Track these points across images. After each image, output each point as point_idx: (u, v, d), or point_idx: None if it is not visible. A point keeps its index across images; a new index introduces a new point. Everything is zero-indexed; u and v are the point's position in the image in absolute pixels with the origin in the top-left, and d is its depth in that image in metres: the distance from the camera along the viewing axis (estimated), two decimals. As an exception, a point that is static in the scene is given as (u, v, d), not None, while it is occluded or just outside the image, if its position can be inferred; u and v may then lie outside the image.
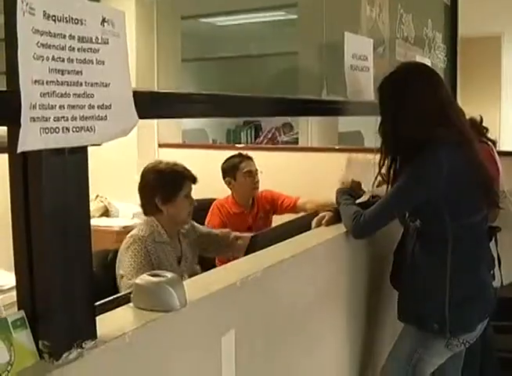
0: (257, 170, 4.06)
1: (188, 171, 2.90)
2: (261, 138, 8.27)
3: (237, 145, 5.51)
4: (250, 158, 4.09)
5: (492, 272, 2.52)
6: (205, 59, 9.13)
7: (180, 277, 2.85)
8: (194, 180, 2.91)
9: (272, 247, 2.13)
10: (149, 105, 1.54)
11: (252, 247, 2.36)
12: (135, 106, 1.35)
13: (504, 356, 3.74)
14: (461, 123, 2.38)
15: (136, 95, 1.36)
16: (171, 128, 5.72)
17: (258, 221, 4.09)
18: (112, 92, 1.29)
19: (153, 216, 2.84)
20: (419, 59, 3.73)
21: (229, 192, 4.13)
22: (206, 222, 3.95)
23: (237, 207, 4.08)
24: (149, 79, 5.40)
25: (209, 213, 4.04)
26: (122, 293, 2.03)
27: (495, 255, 2.57)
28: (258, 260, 1.98)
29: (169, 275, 1.55)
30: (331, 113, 2.95)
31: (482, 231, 2.44)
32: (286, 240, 2.21)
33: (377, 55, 3.08)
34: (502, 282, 2.60)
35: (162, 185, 2.82)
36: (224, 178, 4.10)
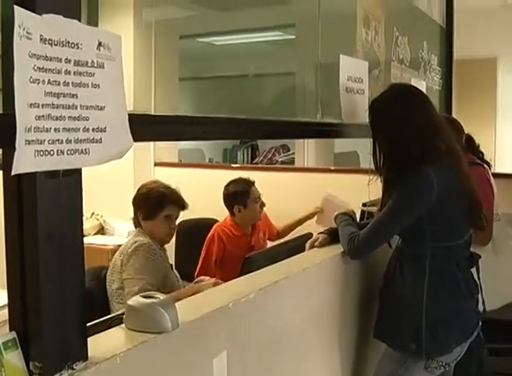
0: (260, 194, 4.08)
1: (176, 195, 3.07)
2: (260, 158, 8.29)
3: (233, 165, 5.51)
4: (253, 182, 4.09)
5: (476, 296, 2.53)
6: (202, 78, 9.16)
7: (176, 282, 2.97)
8: (182, 206, 3.09)
9: (266, 268, 2.14)
10: (145, 128, 1.56)
11: (246, 269, 2.37)
12: (130, 129, 1.36)
13: (499, 379, 3.75)
14: (451, 146, 2.40)
15: (131, 118, 1.37)
16: (168, 147, 5.73)
17: (260, 241, 4.10)
18: (107, 115, 1.30)
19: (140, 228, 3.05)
20: (414, 81, 3.76)
21: (227, 211, 4.13)
22: (205, 250, 3.97)
23: (239, 230, 4.07)
24: (147, 99, 5.42)
25: (209, 240, 4.03)
26: (113, 315, 2.03)
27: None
28: (251, 281, 1.98)
29: (161, 296, 1.56)
30: (326, 135, 2.96)
31: (463, 255, 2.46)
32: (280, 262, 2.22)
33: (373, 77, 3.11)
34: (484, 308, 2.61)
35: (146, 201, 3.03)
36: (232, 205, 4.07)
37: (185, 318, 1.56)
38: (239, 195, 4.04)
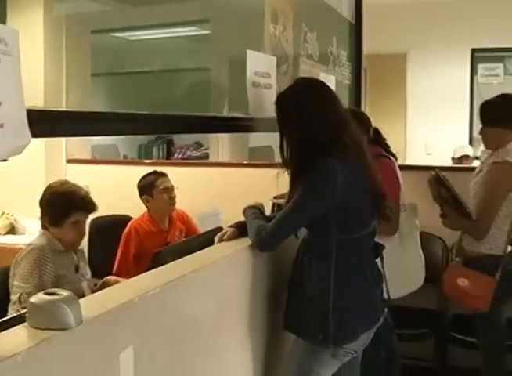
0: (173, 186, 4.09)
1: (83, 200, 2.96)
2: (175, 155, 8.25)
3: (146, 161, 5.48)
4: (165, 175, 4.11)
5: (380, 285, 2.62)
6: (117, 73, 9.01)
7: (79, 284, 2.93)
8: (90, 210, 2.99)
9: (173, 262, 2.14)
10: (44, 123, 1.54)
11: (156, 264, 2.37)
12: (34, 124, 1.35)
13: (408, 363, 3.87)
14: (356, 139, 2.46)
15: (34, 113, 1.35)
16: (80, 143, 5.63)
17: (175, 239, 4.11)
18: (4, 111, 1.28)
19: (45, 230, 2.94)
20: (323, 76, 3.82)
21: (142, 207, 4.12)
22: (122, 246, 3.95)
23: (155, 226, 4.10)
24: (58, 94, 5.31)
25: (126, 236, 4.02)
26: (18, 313, 2.01)
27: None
28: (158, 276, 1.98)
29: (65, 293, 1.53)
30: (233, 130, 2.99)
31: (368, 245, 2.53)
32: (187, 256, 2.22)
33: (281, 72, 3.14)
34: (389, 296, 2.70)
35: (50, 208, 2.94)
36: (141, 196, 4.10)
37: (90, 314, 1.55)
38: (147, 185, 4.07)
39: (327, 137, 2.38)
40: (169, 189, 4.07)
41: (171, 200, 4.11)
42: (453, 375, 4.19)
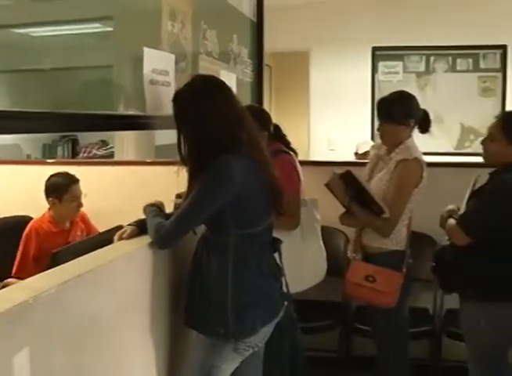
0: (81, 193, 4.03)
1: None
2: (81, 154, 8.11)
3: (49, 160, 5.37)
4: (77, 181, 4.03)
5: (279, 279, 2.67)
6: (19, 70, 8.80)
7: None
8: None
9: (70, 262, 2.12)
10: None
11: (54, 264, 2.33)
12: None
13: (313, 355, 3.96)
14: (253, 136, 2.50)
15: None
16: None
17: (77, 238, 4.06)
18: None
19: None
20: (223, 73, 3.85)
21: (45, 208, 4.05)
22: (22, 247, 3.88)
23: (56, 226, 4.04)
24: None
25: (26, 237, 3.95)
26: None
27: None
28: (54, 276, 1.95)
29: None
30: (129, 127, 2.97)
31: (265, 240, 2.58)
32: (85, 255, 2.20)
33: (180, 70, 3.15)
34: (288, 290, 2.75)
35: None
36: (48, 196, 4.01)
37: (-20, 317, 1.52)
38: (57, 188, 3.99)
39: (224, 134, 2.40)
40: (79, 197, 4.03)
41: (78, 208, 4.07)
42: (358, 364, 4.30)
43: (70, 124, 2.36)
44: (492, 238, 3.06)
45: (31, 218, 4.15)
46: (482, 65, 7.87)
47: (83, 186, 4.07)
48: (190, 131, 2.45)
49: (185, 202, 2.41)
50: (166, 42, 3.00)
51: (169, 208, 2.74)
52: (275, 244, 2.64)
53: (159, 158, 6.01)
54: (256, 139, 2.51)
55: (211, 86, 2.52)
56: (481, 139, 3.24)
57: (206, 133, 2.40)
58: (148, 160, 5.08)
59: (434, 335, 4.19)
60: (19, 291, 1.83)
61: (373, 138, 7.34)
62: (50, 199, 4.01)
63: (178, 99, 2.50)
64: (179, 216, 2.42)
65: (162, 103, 2.80)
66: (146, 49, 2.74)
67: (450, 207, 3.34)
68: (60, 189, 3.99)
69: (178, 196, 3.13)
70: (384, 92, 5.94)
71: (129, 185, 4.54)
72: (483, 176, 3.26)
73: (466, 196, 3.26)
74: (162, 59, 2.92)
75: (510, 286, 3.09)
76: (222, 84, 2.56)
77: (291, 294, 2.97)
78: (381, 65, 8.04)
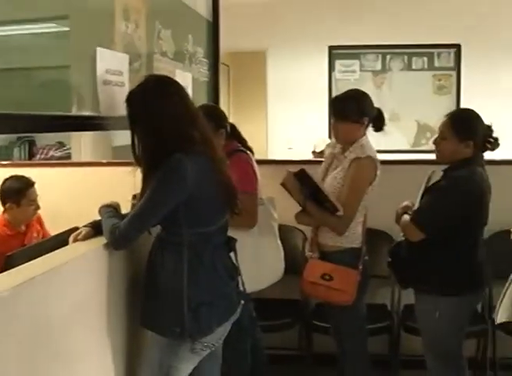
0: (37, 195, 4.01)
1: None
2: (38, 156, 8.02)
3: (3, 162, 5.30)
4: (33, 184, 4.00)
5: (236, 278, 2.67)
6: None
7: None
8: None
9: (24, 265, 2.10)
10: None
11: (8, 267, 2.31)
12: None
13: (273, 353, 3.98)
14: (206, 135, 2.50)
15: None
16: None
17: (33, 241, 4.02)
18: None
19: None
20: (179, 73, 3.84)
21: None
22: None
23: (12, 229, 4.01)
24: None
25: None
26: None
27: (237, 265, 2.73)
28: (7, 279, 1.93)
29: None
30: (82, 128, 2.95)
31: (220, 240, 2.58)
32: (39, 258, 2.18)
33: (134, 70, 3.13)
34: (244, 289, 2.76)
35: None
36: (4, 201, 3.97)
37: None
38: (14, 192, 3.96)
39: (177, 133, 2.41)
40: (36, 200, 4.00)
41: (35, 211, 4.04)
42: (319, 361, 4.32)
43: (23, 125, 2.33)
44: (445, 234, 3.11)
45: (-14, 222, 4.10)
46: (437, 64, 8.00)
47: (38, 188, 4.04)
48: (143, 132, 2.45)
49: (139, 202, 2.41)
50: (120, 42, 2.99)
51: (126, 209, 2.72)
52: (231, 244, 2.65)
53: (118, 160, 5.98)
54: (209, 137, 2.52)
55: (164, 86, 2.51)
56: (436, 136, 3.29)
57: (159, 133, 2.40)
58: (104, 161, 5.04)
59: (393, 330, 4.24)
60: (-30, 294, 1.81)
61: (330, 136, 7.38)
62: (8, 204, 3.96)
63: (131, 99, 2.50)
64: (133, 217, 2.41)
65: (116, 103, 2.79)
66: (99, 49, 2.72)
67: (405, 203, 3.39)
68: (17, 193, 3.95)
69: (135, 196, 3.12)
70: (341, 90, 5.94)
71: (85, 186, 4.50)
72: (437, 173, 3.31)
73: (420, 192, 3.31)
74: (116, 60, 2.91)
75: (462, 280, 3.16)
76: (176, 84, 2.56)
77: (249, 293, 2.98)
78: (338, 64, 8.11)
